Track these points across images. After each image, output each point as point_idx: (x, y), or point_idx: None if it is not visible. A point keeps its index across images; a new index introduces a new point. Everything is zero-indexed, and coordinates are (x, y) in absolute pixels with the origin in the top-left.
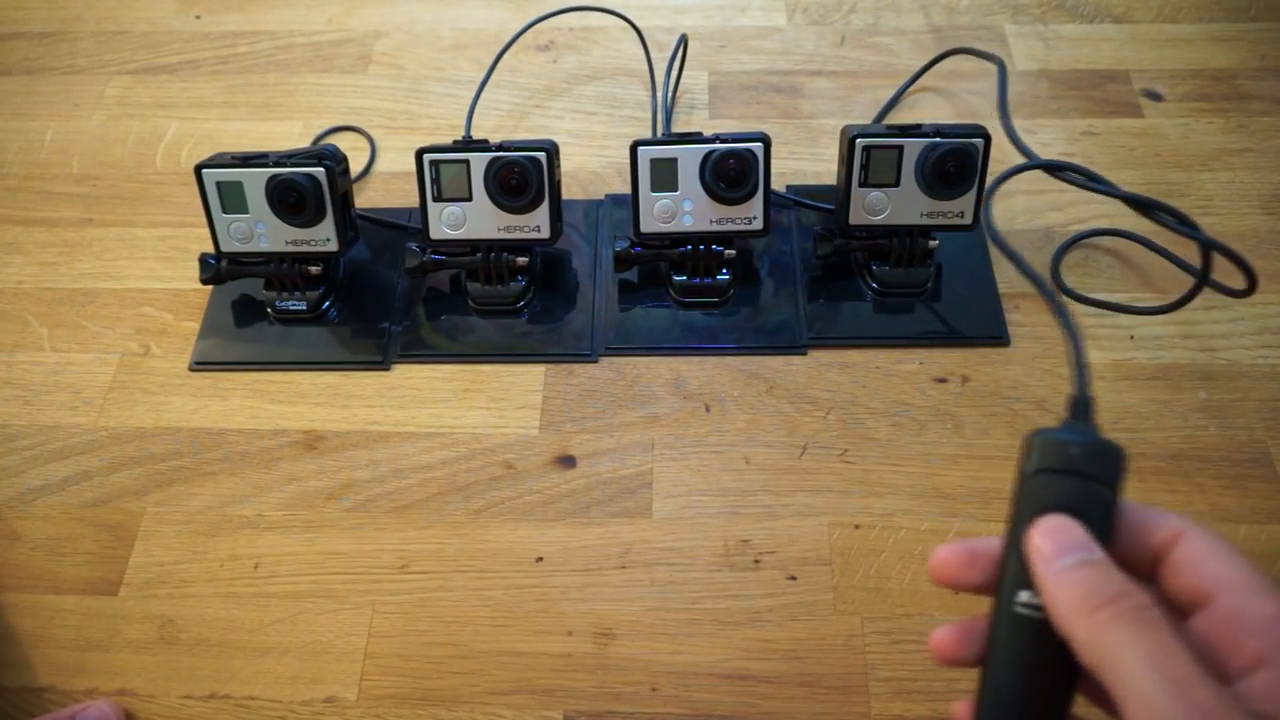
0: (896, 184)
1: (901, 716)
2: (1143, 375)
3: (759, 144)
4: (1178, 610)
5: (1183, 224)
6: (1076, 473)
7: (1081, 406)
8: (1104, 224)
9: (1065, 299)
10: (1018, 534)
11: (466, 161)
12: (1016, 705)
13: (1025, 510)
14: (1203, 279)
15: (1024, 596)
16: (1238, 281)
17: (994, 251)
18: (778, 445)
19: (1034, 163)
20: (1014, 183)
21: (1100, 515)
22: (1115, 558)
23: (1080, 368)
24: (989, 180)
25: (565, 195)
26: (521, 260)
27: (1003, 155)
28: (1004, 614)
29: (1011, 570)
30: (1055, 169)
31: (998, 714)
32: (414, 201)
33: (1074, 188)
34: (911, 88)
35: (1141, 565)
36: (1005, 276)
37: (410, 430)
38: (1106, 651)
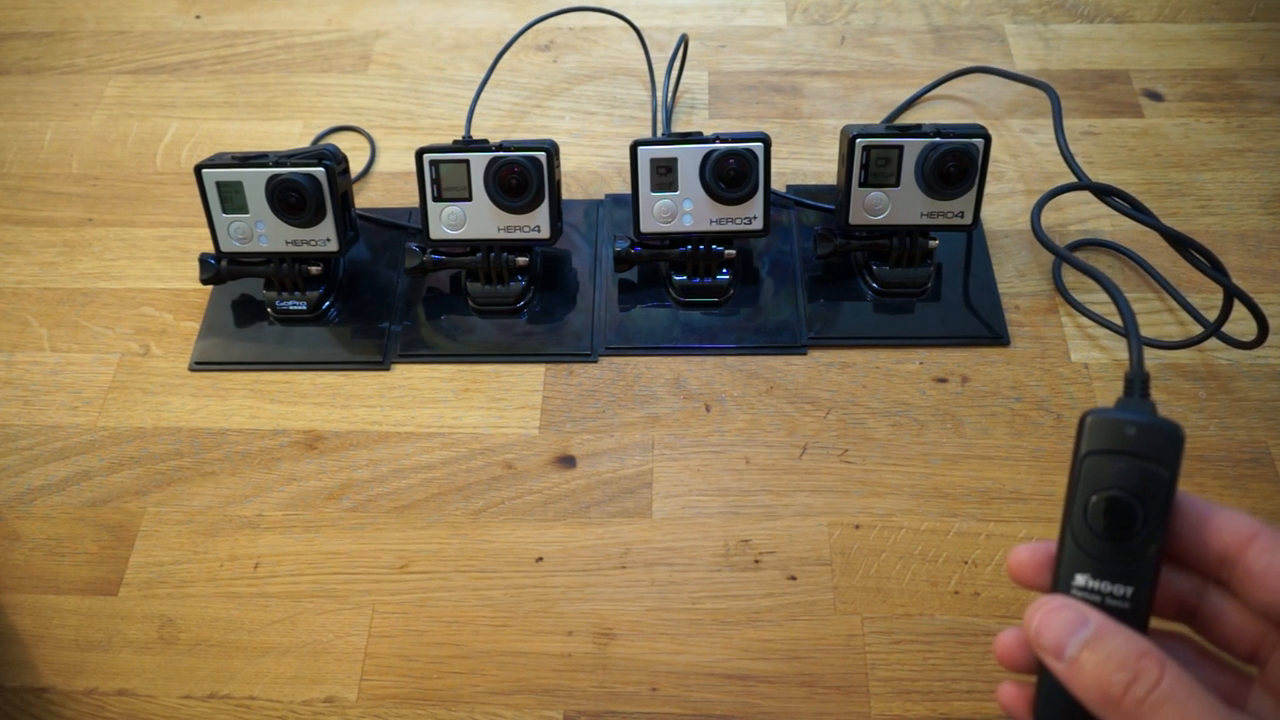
0: (896, 184)
1: (901, 716)
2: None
3: (759, 144)
4: (1261, 613)
5: (1214, 268)
6: (1132, 453)
7: (1136, 385)
8: (1104, 224)
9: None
10: (1073, 517)
11: (466, 161)
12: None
13: (1081, 493)
14: (1215, 328)
15: (1080, 580)
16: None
17: (994, 251)
18: (778, 445)
19: (1082, 184)
20: (1014, 183)
21: (1159, 497)
22: (1174, 551)
23: (1134, 347)
24: (1041, 193)
25: (565, 195)
26: (521, 260)
27: (1040, 165)
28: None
29: (1067, 554)
30: (1102, 193)
31: (1059, 698)
32: (414, 201)
33: (1075, 189)
34: (911, 88)
35: (1205, 565)
36: (1005, 276)
37: (410, 430)
38: None
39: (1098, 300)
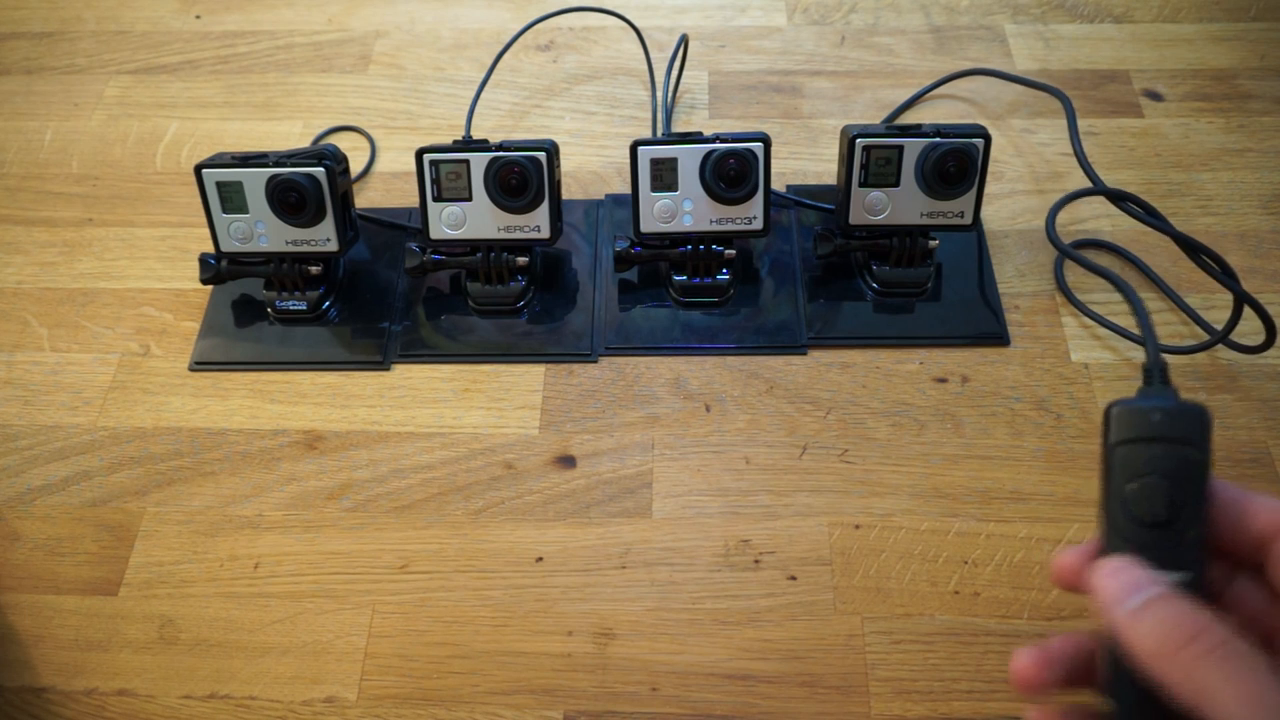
0: (896, 184)
1: (901, 716)
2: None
3: (759, 144)
4: None
5: (1225, 273)
6: (1162, 439)
7: (1155, 372)
8: (1104, 224)
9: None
10: (1112, 509)
11: (466, 161)
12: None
13: (1116, 485)
14: (1225, 333)
15: None
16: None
17: (994, 251)
18: (778, 445)
19: (1097, 189)
20: (1014, 183)
21: (1195, 480)
22: (1211, 535)
23: (1149, 336)
24: (1043, 194)
25: (565, 195)
26: (521, 260)
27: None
28: None
29: (1111, 547)
30: (1117, 198)
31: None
32: (414, 201)
33: (1091, 194)
34: (911, 88)
35: (1241, 550)
36: (1005, 276)
37: (410, 430)
38: (1202, 692)
39: (1097, 300)
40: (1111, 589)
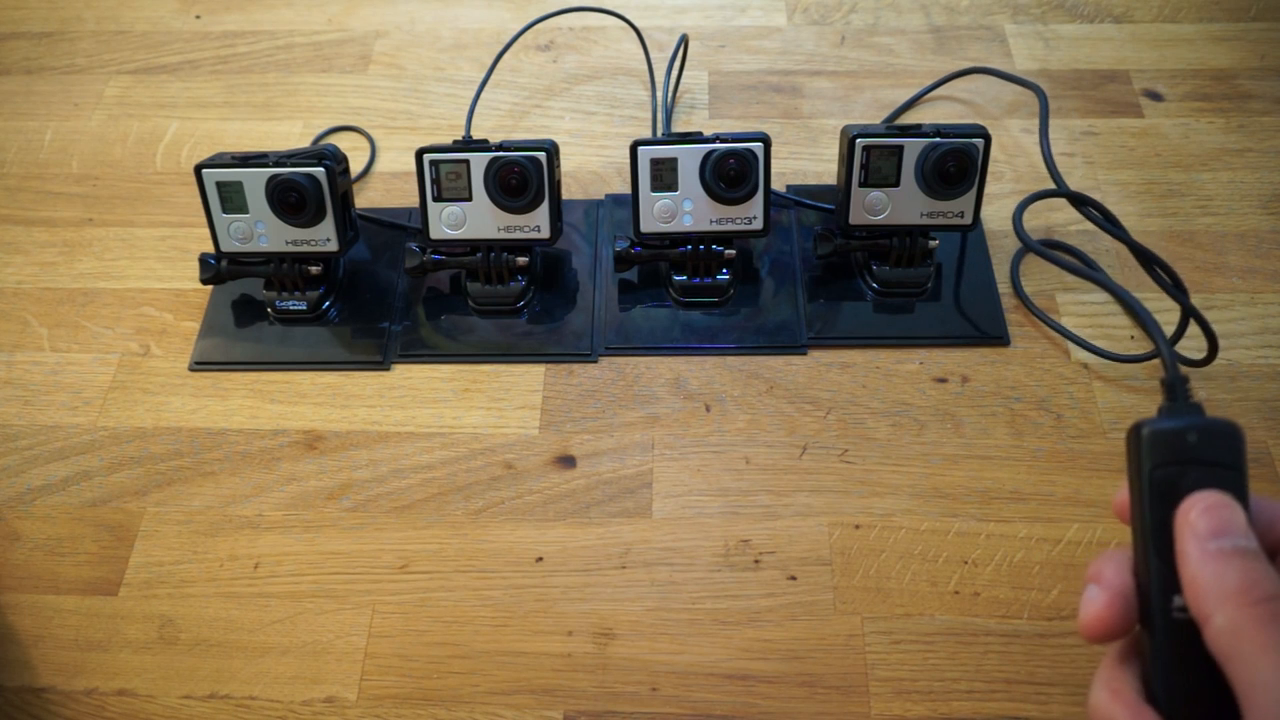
0: (896, 184)
1: (901, 716)
2: (1142, 375)
3: (759, 144)
4: None
5: (1176, 286)
6: (1199, 461)
7: (1179, 389)
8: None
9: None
10: (1154, 537)
11: (466, 161)
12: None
13: (1157, 511)
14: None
15: (1179, 601)
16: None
17: (994, 251)
18: (778, 445)
19: (1059, 191)
20: (1013, 184)
21: (1238, 500)
22: None
23: (1165, 352)
24: (1021, 197)
25: (565, 195)
26: (521, 260)
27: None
28: (1160, 625)
29: (1157, 576)
30: (1078, 202)
31: (1179, 668)
32: (414, 201)
33: (1053, 195)
34: (911, 88)
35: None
36: (1005, 276)
37: (410, 430)
38: (1247, 646)
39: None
40: (1203, 524)
